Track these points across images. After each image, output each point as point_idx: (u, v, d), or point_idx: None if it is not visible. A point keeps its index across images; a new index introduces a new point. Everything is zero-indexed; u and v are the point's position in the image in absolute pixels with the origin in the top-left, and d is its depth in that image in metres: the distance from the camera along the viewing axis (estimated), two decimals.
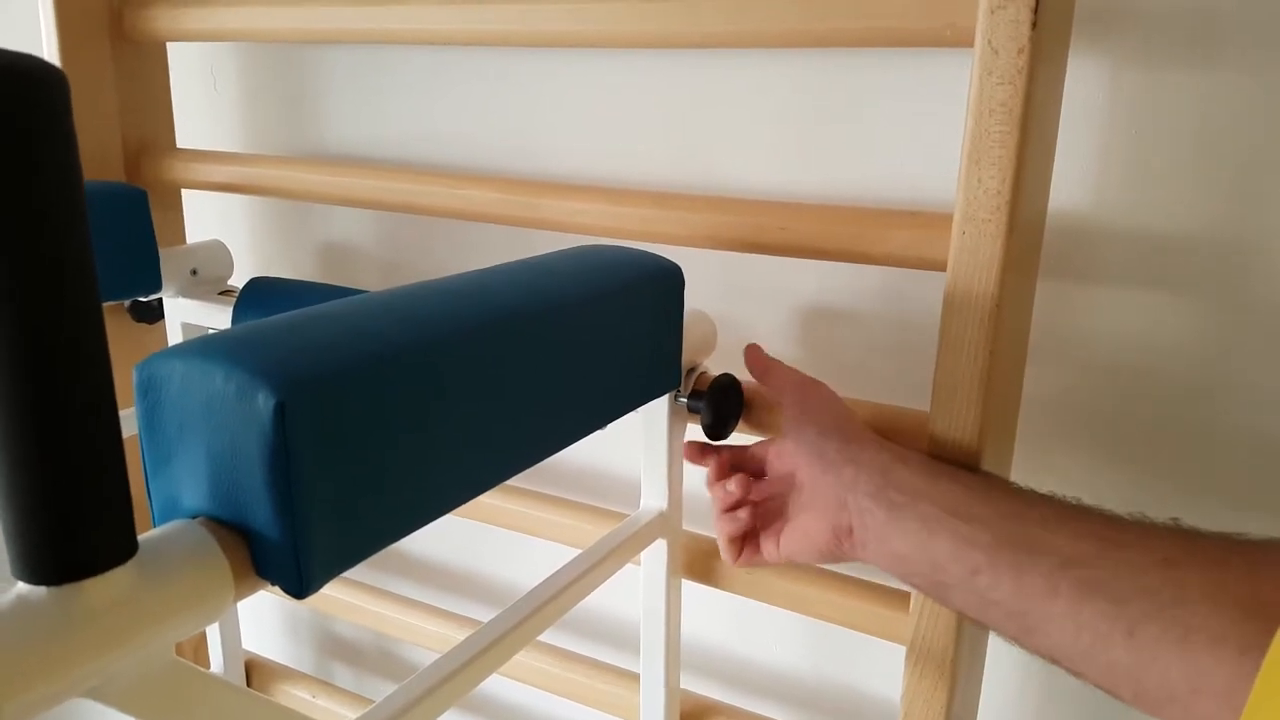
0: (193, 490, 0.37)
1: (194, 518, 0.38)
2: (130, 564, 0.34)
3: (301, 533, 0.36)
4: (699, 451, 0.65)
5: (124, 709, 0.35)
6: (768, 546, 0.59)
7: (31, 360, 0.30)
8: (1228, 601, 0.39)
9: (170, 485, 0.38)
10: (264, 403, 0.34)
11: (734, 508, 0.60)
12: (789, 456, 0.59)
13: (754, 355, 0.63)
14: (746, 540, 0.60)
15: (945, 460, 0.55)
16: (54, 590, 0.32)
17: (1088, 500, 0.48)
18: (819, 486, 0.55)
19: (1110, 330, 0.64)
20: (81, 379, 0.31)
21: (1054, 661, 0.46)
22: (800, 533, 0.57)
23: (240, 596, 0.37)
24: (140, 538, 0.35)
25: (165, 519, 0.39)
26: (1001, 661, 0.71)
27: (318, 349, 0.38)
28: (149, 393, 0.37)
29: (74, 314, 0.31)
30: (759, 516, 0.60)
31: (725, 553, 0.61)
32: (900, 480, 0.51)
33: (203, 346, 0.37)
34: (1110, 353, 0.64)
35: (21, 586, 0.32)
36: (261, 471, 0.35)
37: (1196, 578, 0.41)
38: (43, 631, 0.32)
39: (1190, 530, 0.44)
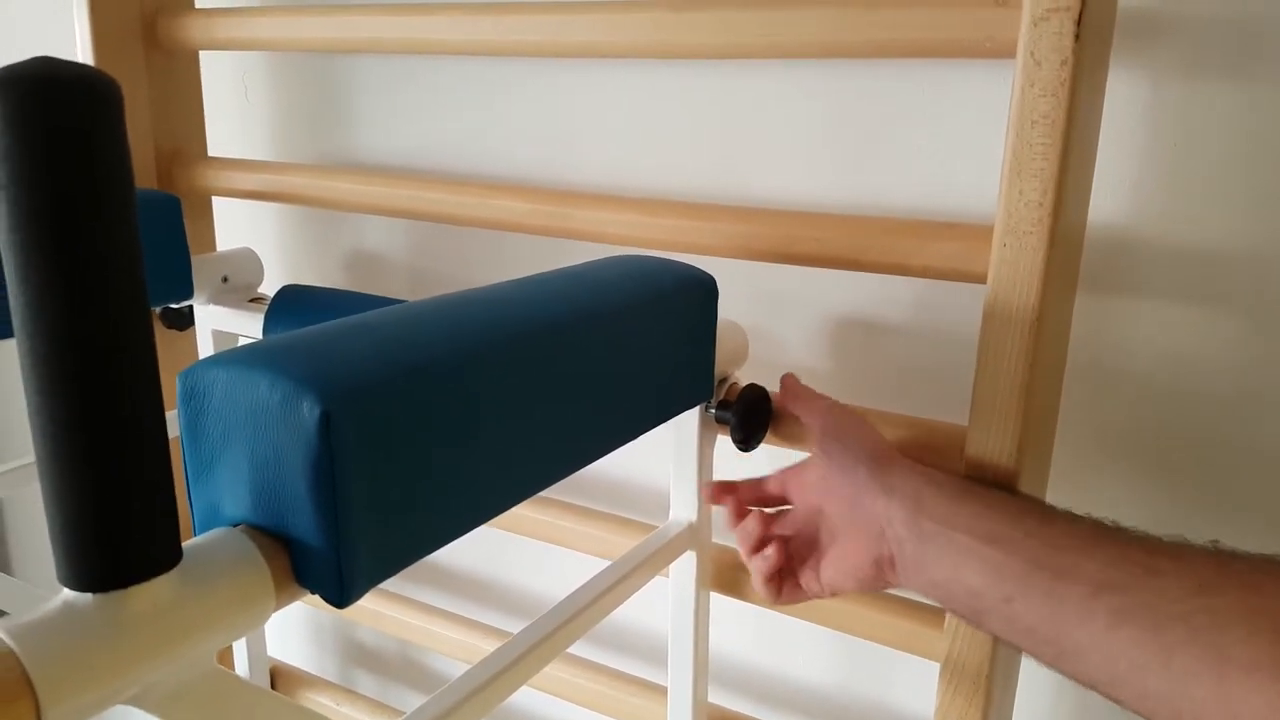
0: (234, 498, 0.37)
1: (235, 525, 0.38)
2: (174, 572, 0.34)
3: (344, 541, 0.36)
4: (720, 491, 0.63)
5: (165, 717, 0.34)
6: (808, 580, 0.58)
7: (82, 368, 0.30)
8: (1264, 626, 0.38)
9: (212, 493, 0.38)
10: (309, 412, 0.34)
11: (760, 547, 0.59)
12: (817, 486, 0.58)
13: (788, 382, 0.62)
14: (784, 578, 0.59)
15: (983, 479, 0.55)
16: (99, 597, 0.32)
17: (1122, 518, 0.48)
18: (855, 517, 0.54)
19: (1148, 345, 0.63)
20: (131, 387, 0.31)
21: (1090, 687, 0.45)
22: (841, 564, 0.56)
23: (281, 605, 0.37)
24: (183, 545, 0.35)
25: (206, 527, 0.39)
26: (1035, 679, 0.70)
27: (361, 359, 0.38)
28: (192, 401, 0.37)
29: (125, 321, 0.31)
30: (791, 552, 0.58)
31: (764, 593, 0.59)
32: (932, 508, 0.51)
33: (247, 355, 0.37)
34: (1147, 367, 0.64)
35: (67, 593, 0.32)
36: (305, 480, 0.35)
37: (1232, 603, 0.40)
38: (88, 638, 0.32)
39: (1227, 553, 0.43)
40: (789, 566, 0.58)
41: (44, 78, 0.29)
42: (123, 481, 0.32)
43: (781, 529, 0.59)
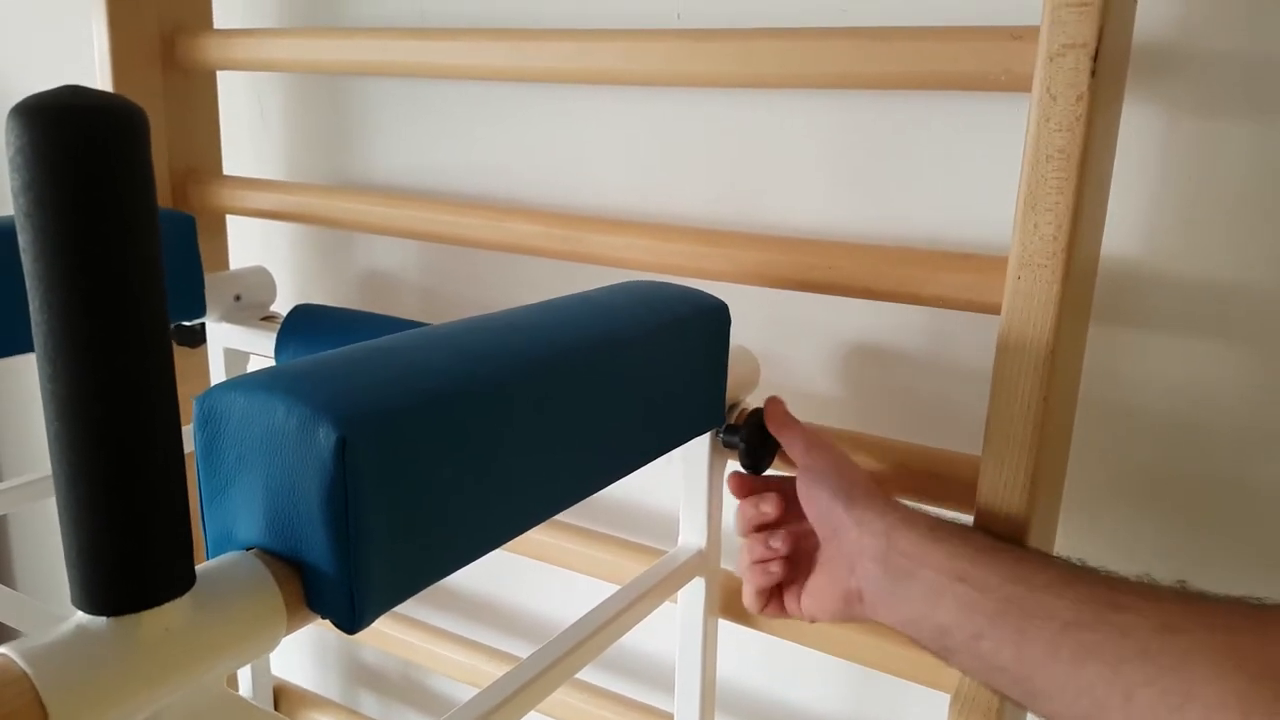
0: (248, 522, 0.38)
1: (247, 549, 0.38)
2: (188, 596, 0.34)
3: (357, 567, 0.36)
4: (742, 486, 0.63)
5: None
6: (790, 601, 0.59)
7: (103, 392, 0.30)
8: (1232, 666, 0.38)
9: (225, 517, 0.38)
10: (325, 438, 0.34)
11: (769, 560, 0.59)
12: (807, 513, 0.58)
13: (773, 408, 0.62)
14: (773, 592, 0.60)
15: (994, 510, 0.55)
16: (113, 621, 0.32)
17: (1132, 552, 0.48)
18: (830, 550, 0.55)
19: (1160, 378, 0.63)
20: (151, 413, 0.31)
21: None
22: (815, 594, 0.57)
23: (292, 629, 0.37)
24: (196, 569, 0.35)
25: (218, 549, 0.39)
26: None
27: (378, 385, 0.38)
28: (208, 424, 0.37)
29: (146, 346, 0.31)
30: (788, 568, 0.59)
31: (751, 602, 0.60)
32: (904, 545, 0.51)
33: (264, 380, 0.37)
34: (1159, 401, 0.64)
35: (81, 616, 0.32)
36: (320, 506, 0.35)
37: (1199, 642, 0.40)
38: (101, 662, 0.32)
39: (1196, 594, 0.43)
40: (779, 583, 0.59)
41: (71, 106, 0.29)
42: (140, 505, 0.32)
43: (785, 544, 0.60)
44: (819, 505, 0.56)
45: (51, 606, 0.70)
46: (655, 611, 0.63)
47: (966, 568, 0.48)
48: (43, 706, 0.30)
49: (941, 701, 0.60)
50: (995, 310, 0.54)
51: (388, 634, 0.91)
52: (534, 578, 0.94)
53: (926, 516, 0.53)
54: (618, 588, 0.62)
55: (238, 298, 0.86)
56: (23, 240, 0.30)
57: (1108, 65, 0.49)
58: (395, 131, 0.92)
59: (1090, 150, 0.49)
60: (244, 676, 0.96)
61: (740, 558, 0.61)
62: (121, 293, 0.30)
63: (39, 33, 1.16)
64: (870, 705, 0.79)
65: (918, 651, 0.62)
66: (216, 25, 0.93)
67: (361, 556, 0.36)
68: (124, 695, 0.32)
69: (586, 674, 0.74)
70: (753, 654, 0.83)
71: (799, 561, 0.59)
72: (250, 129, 1.00)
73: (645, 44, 0.67)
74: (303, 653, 1.15)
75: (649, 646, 0.89)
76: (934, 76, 0.57)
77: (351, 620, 0.36)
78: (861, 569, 0.52)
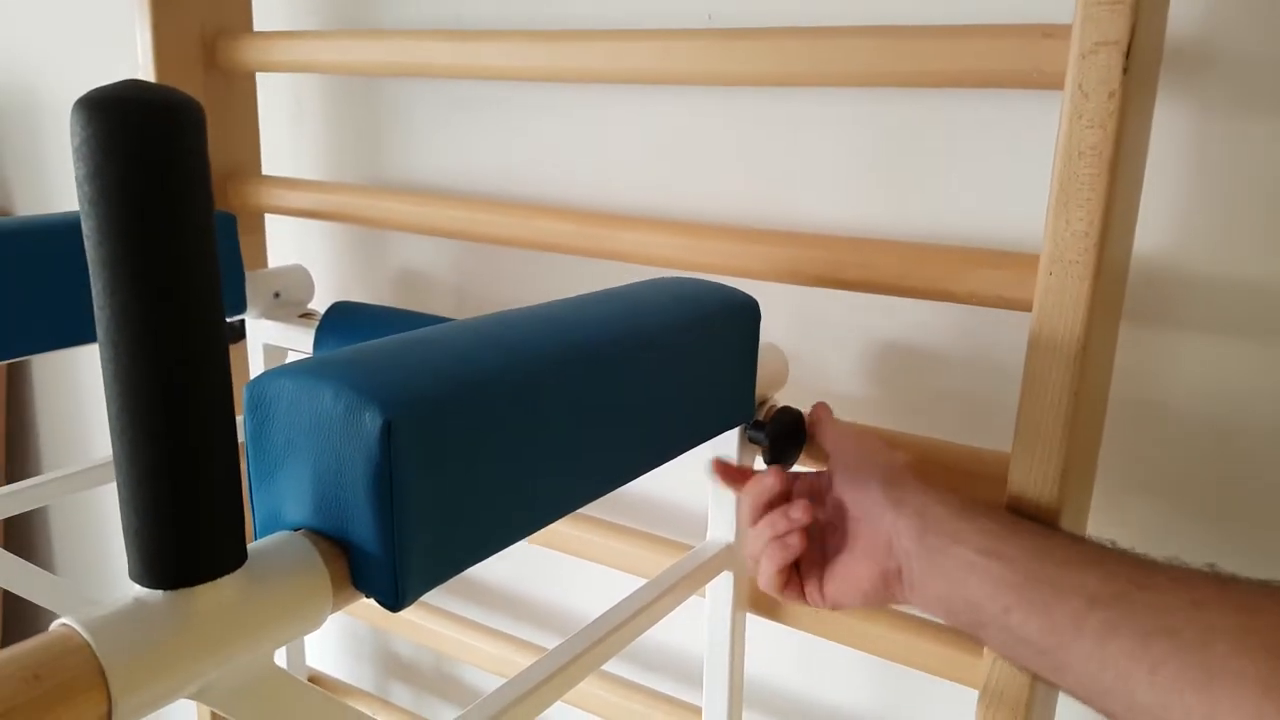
0: (295, 503, 0.39)
1: (295, 530, 0.39)
2: (239, 572, 0.35)
3: (401, 547, 0.37)
4: (729, 474, 0.65)
5: (227, 712, 0.36)
6: (811, 592, 0.58)
7: (162, 376, 0.32)
8: (1255, 644, 0.39)
9: (273, 498, 0.40)
10: (371, 421, 0.35)
11: (788, 532, 0.59)
12: (831, 499, 0.59)
13: (818, 412, 0.64)
14: (790, 575, 0.59)
15: (1025, 506, 0.55)
16: (169, 594, 0.33)
17: (1161, 551, 0.48)
18: (865, 532, 0.56)
19: (1191, 378, 0.63)
20: (207, 396, 0.33)
21: (1083, 700, 0.46)
22: (847, 579, 0.57)
23: (338, 607, 0.38)
24: (248, 547, 0.36)
25: (267, 530, 0.40)
26: (1073, 708, 0.70)
27: (420, 373, 0.39)
28: (258, 409, 0.39)
29: (203, 332, 0.32)
30: (807, 543, 0.58)
31: (769, 582, 0.59)
32: (937, 523, 0.52)
33: (312, 366, 0.38)
34: (1191, 400, 0.63)
35: (138, 589, 0.34)
36: (365, 487, 0.36)
37: (1225, 620, 0.41)
38: (158, 633, 0.33)
39: (1225, 575, 0.44)
40: (795, 566, 0.59)
41: (133, 99, 0.30)
42: (196, 485, 0.33)
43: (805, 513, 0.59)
44: (854, 488, 0.57)
45: (91, 592, 0.71)
46: (684, 606, 0.64)
47: (996, 544, 0.50)
48: (103, 674, 0.31)
49: (970, 697, 0.60)
50: (1026, 307, 0.55)
51: (420, 625, 0.92)
52: (564, 572, 0.95)
53: (959, 496, 0.54)
54: (646, 581, 0.63)
55: (277, 295, 0.88)
56: (86, 227, 0.31)
57: (1140, 62, 0.50)
58: (429, 132, 0.93)
59: (1122, 147, 0.50)
60: (279, 665, 0.97)
61: (750, 545, 0.60)
62: (182, 278, 0.31)
63: (84, 36, 1.19)
64: (898, 701, 0.79)
65: (946, 647, 0.63)
66: (256, 28, 0.95)
67: (405, 537, 0.37)
68: (179, 665, 0.33)
69: (617, 668, 0.75)
70: (781, 648, 0.83)
71: (817, 552, 0.59)
72: (289, 129, 1.02)
73: (676, 44, 0.67)
74: (336, 644, 1.17)
75: (678, 641, 0.90)
76: (966, 74, 0.57)
77: (395, 598, 0.38)
78: (899, 547, 0.53)
